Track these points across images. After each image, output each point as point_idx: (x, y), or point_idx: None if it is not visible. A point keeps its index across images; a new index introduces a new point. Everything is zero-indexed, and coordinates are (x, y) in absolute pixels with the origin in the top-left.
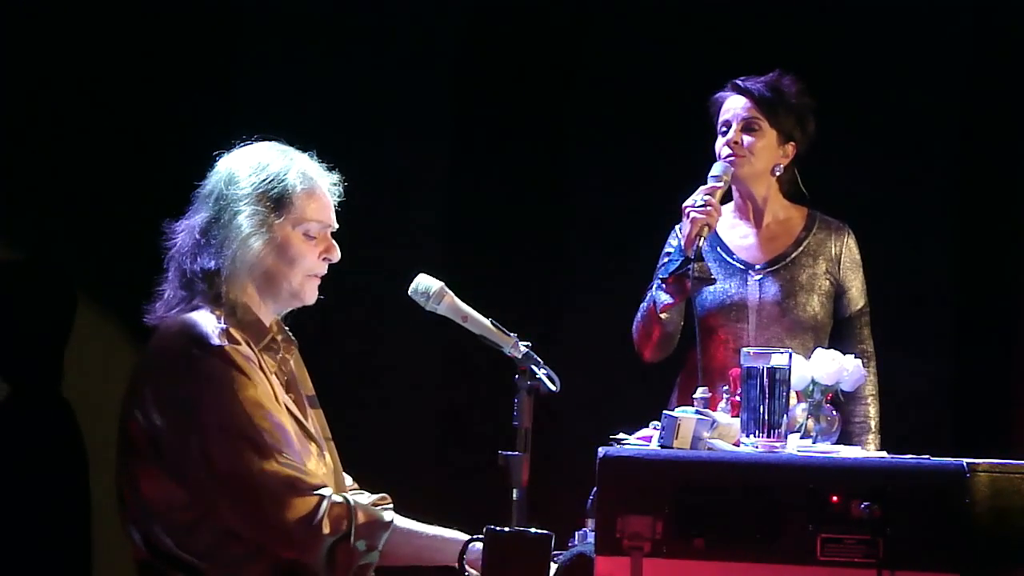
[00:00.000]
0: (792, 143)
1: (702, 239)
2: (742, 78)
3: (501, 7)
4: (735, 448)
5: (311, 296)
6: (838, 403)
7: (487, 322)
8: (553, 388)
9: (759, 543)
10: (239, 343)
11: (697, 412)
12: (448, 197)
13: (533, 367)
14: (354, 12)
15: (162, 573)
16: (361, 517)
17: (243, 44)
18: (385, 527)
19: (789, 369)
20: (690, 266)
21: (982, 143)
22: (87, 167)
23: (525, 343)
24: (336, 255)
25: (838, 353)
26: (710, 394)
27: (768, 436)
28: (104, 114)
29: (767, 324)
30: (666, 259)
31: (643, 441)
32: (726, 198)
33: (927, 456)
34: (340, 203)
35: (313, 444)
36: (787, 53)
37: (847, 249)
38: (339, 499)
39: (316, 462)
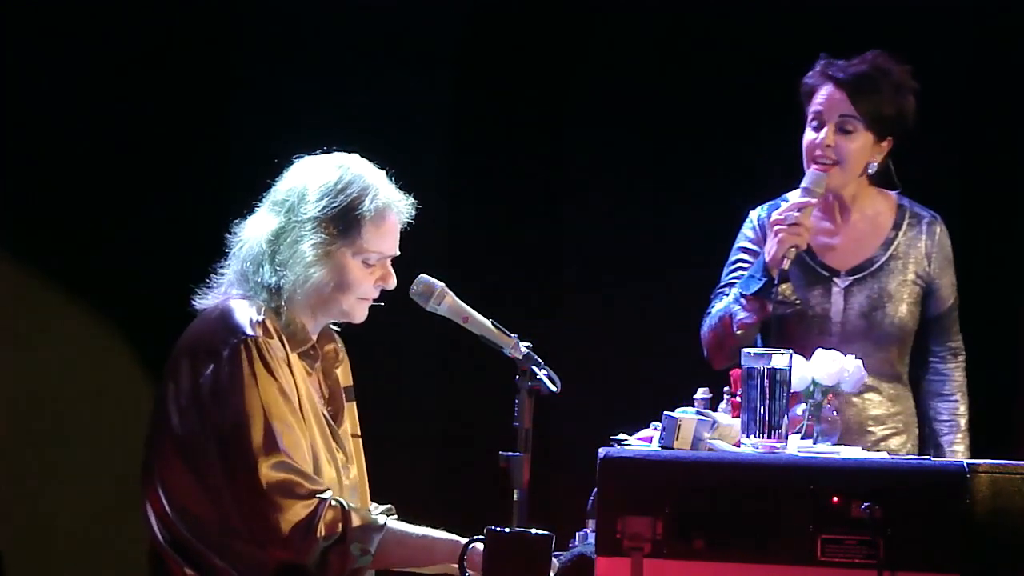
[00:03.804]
0: (889, 138)
1: (788, 261)
2: (839, 64)
3: (502, 7)
4: (735, 449)
5: (361, 317)
6: (922, 400)
7: (488, 323)
8: (554, 389)
9: (759, 544)
10: (272, 337)
11: (698, 413)
12: (448, 198)
13: (534, 368)
14: (354, 11)
15: (173, 563)
16: (356, 521)
17: (242, 44)
18: (378, 530)
19: (789, 369)
20: (773, 289)
21: (983, 143)
22: (87, 165)
23: (526, 344)
24: (391, 283)
25: (838, 354)
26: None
27: (768, 437)
28: (107, 116)
29: (851, 337)
30: (742, 255)
31: (643, 442)
32: None
33: (927, 456)
34: None
35: (340, 453)
36: (787, 51)
37: (938, 246)
38: (335, 503)
39: (339, 471)
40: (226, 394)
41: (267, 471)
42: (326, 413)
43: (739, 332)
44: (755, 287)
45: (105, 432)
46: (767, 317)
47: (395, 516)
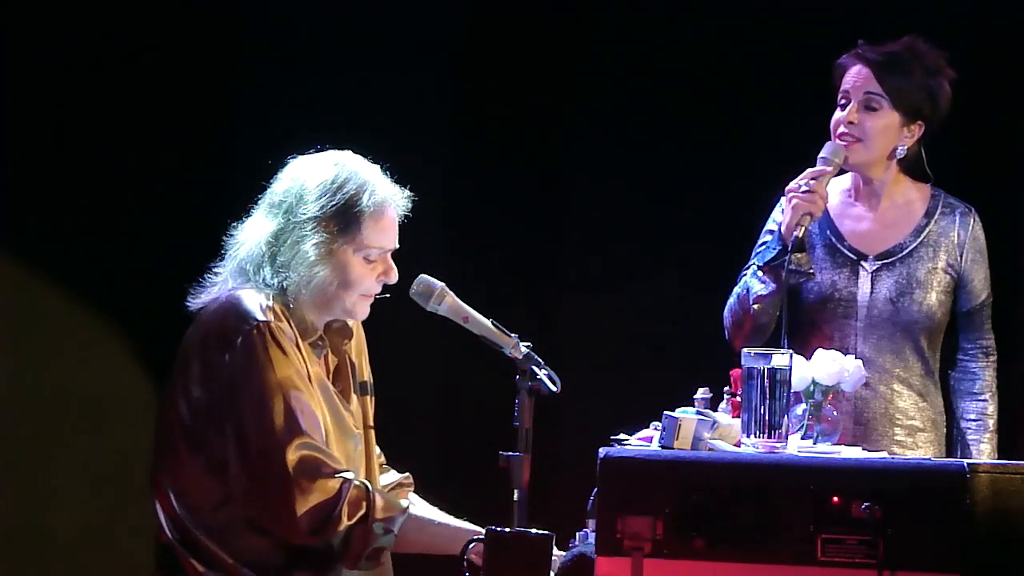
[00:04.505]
0: (919, 121)
1: (803, 229)
2: (868, 46)
3: (502, 6)
4: (736, 449)
5: (363, 314)
6: (950, 399)
7: (488, 323)
8: (554, 389)
9: (759, 543)
10: (282, 320)
11: (698, 413)
12: (448, 197)
13: (534, 368)
14: (354, 10)
15: (181, 557)
16: (379, 502)
17: (243, 43)
18: (402, 512)
19: (789, 369)
20: (787, 257)
21: (983, 143)
22: (86, 164)
23: (526, 344)
24: (393, 277)
25: (838, 353)
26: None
27: (769, 437)
28: (107, 117)
29: (877, 323)
30: (768, 236)
31: (644, 442)
32: (840, 172)
33: (928, 456)
34: None
35: (348, 441)
36: (786, 47)
37: (971, 238)
38: (359, 483)
39: (349, 454)
40: (244, 381)
41: (292, 454)
42: (334, 390)
43: (756, 306)
44: (770, 256)
45: (106, 433)
46: (783, 287)
47: (412, 487)
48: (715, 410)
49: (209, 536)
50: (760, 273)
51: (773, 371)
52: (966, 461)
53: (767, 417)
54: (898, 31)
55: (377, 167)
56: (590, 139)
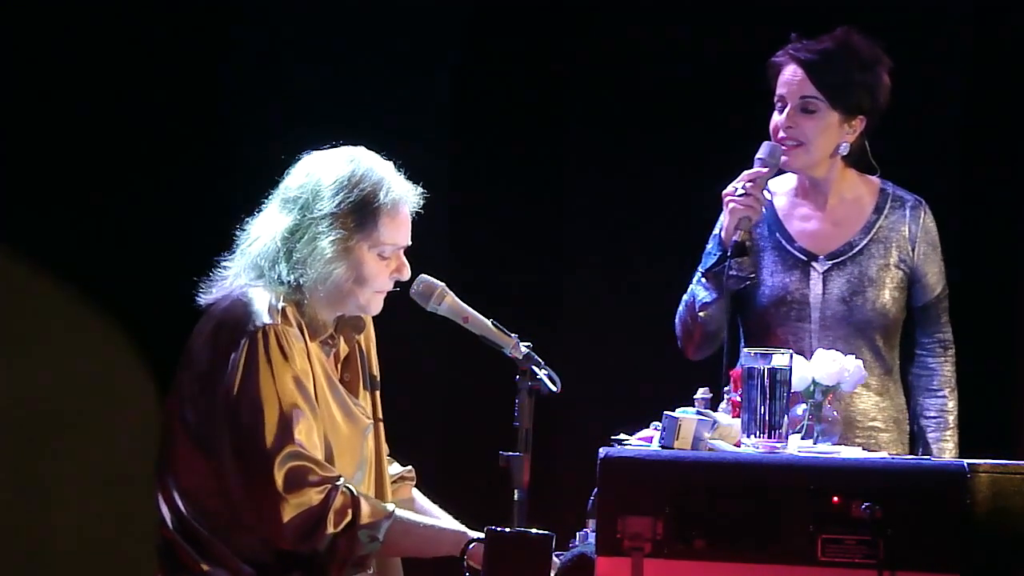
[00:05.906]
0: (860, 116)
1: (742, 232)
2: (801, 44)
3: (501, 6)
4: (735, 449)
5: (376, 309)
6: (909, 395)
7: (488, 323)
8: (554, 389)
9: (759, 544)
10: (291, 324)
11: (698, 413)
12: (448, 198)
13: (534, 368)
14: (354, 10)
15: (182, 550)
16: (365, 508)
17: (241, 43)
18: (387, 516)
19: (789, 369)
20: (727, 262)
21: (983, 142)
22: (84, 163)
23: (526, 344)
24: (406, 273)
25: (838, 353)
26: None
27: (769, 437)
28: (104, 115)
29: (831, 324)
30: (710, 244)
31: (644, 442)
32: (779, 172)
33: (928, 456)
34: None
35: (359, 433)
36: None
37: (923, 231)
38: (345, 489)
39: (359, 446)
40: (242, 386)
41: (281, 467)
42: (343, 384)
43: (702, 314)
44: (711, 262)
45: (106, 433)
46: (727, 292)
47: (414, 480)
48: (715, 410)
49: (211, 532)
50: (704, 280)
51: (773, 371)
52: (966, 461)
53: (767, 417)
54: (902, 28)
55: (390, 163)
56: (591, 139)
